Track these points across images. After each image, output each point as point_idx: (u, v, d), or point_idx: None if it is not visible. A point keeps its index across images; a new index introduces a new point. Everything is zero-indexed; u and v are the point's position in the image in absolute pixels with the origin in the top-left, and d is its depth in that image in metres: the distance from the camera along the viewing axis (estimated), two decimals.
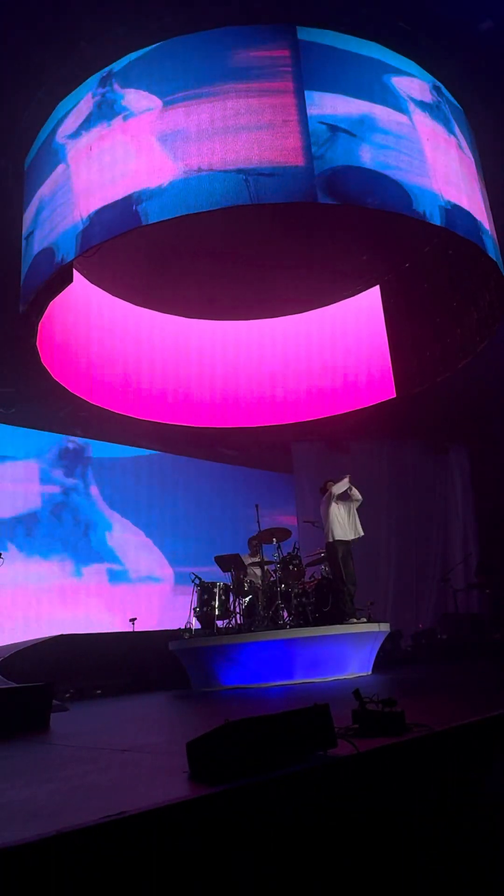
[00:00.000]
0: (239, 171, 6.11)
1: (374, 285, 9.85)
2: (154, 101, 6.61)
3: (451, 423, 11.97)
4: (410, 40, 6.81)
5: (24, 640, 8.19)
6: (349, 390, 10.24)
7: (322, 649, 6.67)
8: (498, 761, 2.76)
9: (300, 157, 6.23)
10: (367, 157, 6.44)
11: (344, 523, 7.64)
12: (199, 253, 8.63)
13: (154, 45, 6.69)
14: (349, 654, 6.84)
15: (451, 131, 7.31)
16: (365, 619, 7.33)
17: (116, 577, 11.04)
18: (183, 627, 7.43)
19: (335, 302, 10.36)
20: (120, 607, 10.41)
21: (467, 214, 7.02)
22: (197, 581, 7.51)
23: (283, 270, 9.21)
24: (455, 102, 7.52)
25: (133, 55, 6.75)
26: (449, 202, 6.80)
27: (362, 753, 2.27)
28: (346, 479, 7.68)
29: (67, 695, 6.99)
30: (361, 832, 2.13)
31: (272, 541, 7.92)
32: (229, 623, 7.52)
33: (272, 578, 7.54)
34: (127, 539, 11.37)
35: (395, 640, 9.58)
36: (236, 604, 7.50)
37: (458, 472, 13.11)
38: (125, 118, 6.67)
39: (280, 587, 7.32)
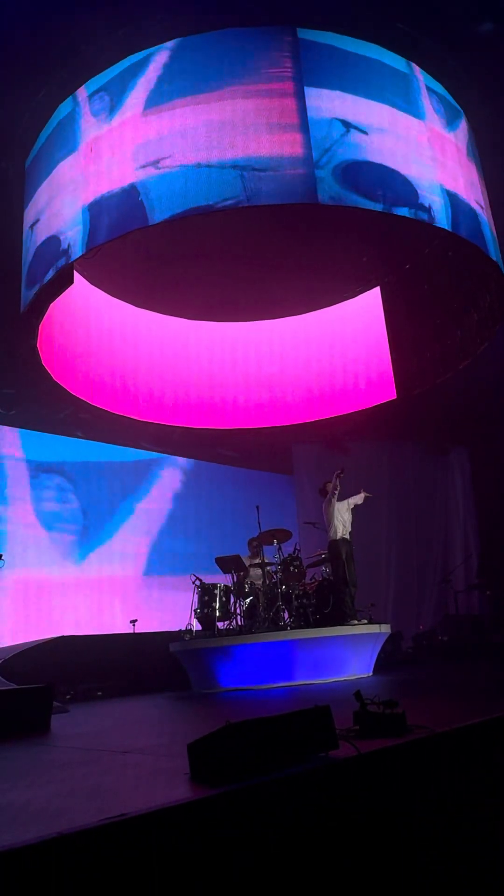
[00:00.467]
0: (235, 166, 6.14)
1: (375, 287, 9.85)
2: (154, 102, 6.63)
3: (452, 424, 11.97)
4: (410, 42, 6.82)
5: (25, 641, 8.19)
6: (349, 391, 10.24)
7: (323, 651, 6.67)
8: (499, 763, 2.75)
9: (300, 154, 6.25)
10: (371, 152, 6.48)
11: (346, 522, 7.67)
12: (199, 254, 8.64)
13: (155, 48, 6.70)
14: (350, 655, 6.83)
15: (451, 131, 7.33)
16: (366, 621, 7.32)
17: (117, 578, 11.03)
18: (183, 629, 7.43)
19: (336, 303, 10.36)
20: (120, 609, 10.41)
21: (470, 209, 7.05)
22: (197, 582, 7.51)
23: (284, 272, 9.21)
24: (455, 104, 7.53)
25: (134, 57, 6.77)
26: (453, 193, 6.85)
27: (363, 755, 2.26)
28: (362, 494, 7.89)
29: (68, 696, 6.98)
30: (362, 833, 2.13)
31: (273, 542, 7.92)
32: (230, 624, 7.52)
33: (273, 580, 7.54)
34: (127, 540, 11.36)
35: (396, 642, 9.57)
36: (237, 605, 7.50)
37: (458, 473, 13.11)
38: (126, 117, 6.69)
39: (281, 588, 7.32)
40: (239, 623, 7.44)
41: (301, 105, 6.43)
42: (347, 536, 7.63)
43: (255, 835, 1.88)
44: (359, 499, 7.86)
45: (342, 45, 6.76)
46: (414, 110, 6.95)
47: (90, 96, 6.99)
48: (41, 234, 7.12)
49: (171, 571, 11.31)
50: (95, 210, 6.54)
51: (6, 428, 10.55)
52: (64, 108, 7.18)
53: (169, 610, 10.75)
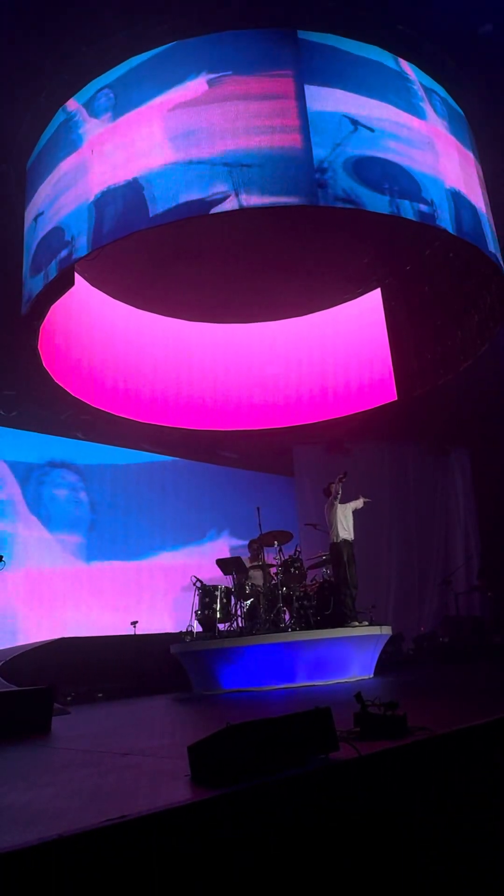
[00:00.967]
0: (230, 163, 6.20)
1: (376, 288, 9.86)
2: (155, 102, 6.66)
3: (453, 425, 11.97)
4: (411, 44, 6.83)
5: (26, 643, 8.19)
6: (350, 393, 10.24)
7: (324, 652, 6.66)
8: (499, 764, 2.75)
9: (300, 155, 6.28)
10: (377, 149, 6.54)
11: (348, 525, 7.67)
12: (200, 256, 8.65)
13: (155, 49, 6.72)
14: (351, 657, 6.83)
15: (452, 132, 7.34)
16: (366, 623, 7.32)
17: (118, 579, 11.03)
18: (184, 630, 7.43)
19: (336, 305, 10.36)
20: (121, 610, 10.40)
21: (471, 208, 7.08)
22: (198, 584, 7.50)
23: (285, 273, 9.22)
24: (456, 106, 7.54)
25: (135, 60, 6.79)
26: (455, 191, 6.89)
27: (364, 756, 2.26)
28: (361, 500, 7.89)
29: (69, 698, 6.98)
30: (362, 835, 2.13)
31: (273, 544, 7.92)
32: (231, 626, 7.51)
33: (273, 581, 7.54)
34: (127, 542, 11.36)
35: (397, 643, 9.57)
36: (238, 607, 7.50)
37: (459, 474, 13.11)
38: (127, 116, 6.74)
39: (282, 590, 7.32)
40: (240, 625, 7.43)
41: (302, 105, 6.47)
42: (349, 538, 7.63)
43: (255, 836, 1.88)
44: (358, 503, 7.86)
45: (343, 47, 6.79)
46: (415, 111, 6.97)
47: (91, 97, 7.01)
48: (45, 225, 7.16)
49: (171, 573, 11.31)
50: (100, 202, 6.60)
51: (7, 429, 10.56)
52: (65, 110, 7.20)
53: (170, 611, 10.77)
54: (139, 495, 11.70)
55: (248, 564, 7.85)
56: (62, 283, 6.99)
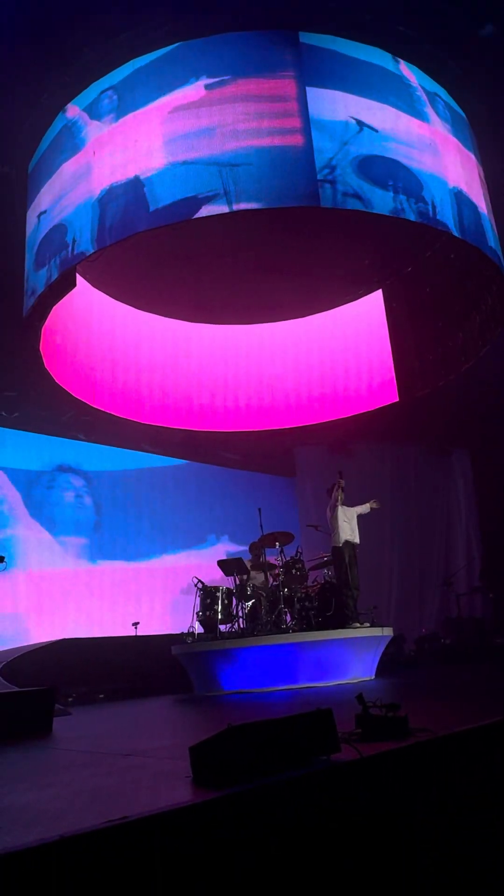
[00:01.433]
0: (228, 163, 6.24)
1: (377, 289, 9.86)
2: (157, 104, 6.68)
3: (454, 426, 11.97)
4: (412, 46, 6.84)
5: (27, 643, 8.19)
6: (351, 394, 10.24)
7: (325, 654, 6.66)
8: (501, 765, 2.75)
9: (301, 155, 6.29)
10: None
11: (353, 527, 7.66)
12: (201, 257, 8.65)
13: (157, 52, 6.73)
14: (352, 658, 6.82)
15: (454, 134, 7.35)
16: (368, 624, 7.32)
17: (119, 580, 11.03)
18: (186, 631, 7.43)
19: (338, 306, 10.37)
20: (122, 611, 10.40)
21: (473, 209, 7.10)
22: (199, 585, 7.50)
23: (286, 275, 9.22)
24: (457, 108, 7.55)
25: (137, 62, 6.80)
26: (457, 192, 6.94)
27: (365, 758, 2.26)
28: (368, 505, 7.88)
29: (70, 699, 6.99)
30: (364, 836, 2.12)
31: (275, 545, 7.92)
32: (232, 627, 7.51)
33: (275, 582, 7.53)
34: (128, 542, 11.36)
35: (399, 645, 9.57)
36: (239, 608, 7.50)
37: (460, 475, 13.11)
38: (129, 118, 6.76)
39: (283, 591, 7.31)
40: (241, 626, 7.43)
41: (304, 107, 6.48)
42: (353, 541, 7.61)
43: (256, 837, 1.88)
44: (364, 509, 7.83)
45: (344, 50, 6.81)
46: (417, 113, 6.98)
47: (94, 100, 7.03)
48: (49, 221, 7.19)
49: (172, 574, 11.31)
50: (104, 201, 6.63)
51: (8, 430, 10.57)
52: (67, 112, 7.22)
53: (171, 612, 10.77)
54: (140, 496, 11.71)
55: (248, 565, 7.85)
56: (64, 284, 7.00)
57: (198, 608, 7.48)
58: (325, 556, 8.04)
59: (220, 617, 7.32)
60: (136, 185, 6.48)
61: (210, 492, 12.40)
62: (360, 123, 6.56)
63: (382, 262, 9.37)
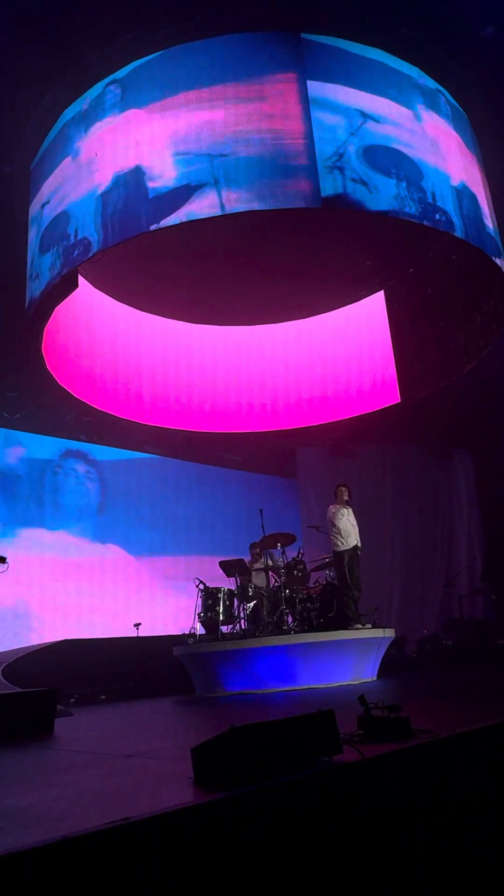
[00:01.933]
0: (239, 165, 6.30)
1: (378, 290, 9.86)
2: (158, 104, 6.70)
3: (455, 427, 11.96)
4: (413, 47, 6.85)
5: (29, 644, 8.19)
6: (353, 395, 10.24)
7: (327, 655, 6.65)
8: (503, 767, 2.74)
9: (302, 157, 6.31)
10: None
11: (352, 530, 7.65)
12: (203, 258, 8.66)
13: (158, 52, 6.75)
14: (354, 659, 6.82)
15: (455, 132, 7.37)
16: (369, 625, 7.31)
17: (120, 581, 11.03)
18: (187, 633, 7.42)
19: (339, 307, 10.37)
20: (124, 612, 10.40)
21: (474, 207, 7.12)
22: (201, 586, 7.50)
23: (288, 276, 9.23)
24: (458, 107, 7.56)
25: (139, 62, 6.82)
26: (458, 188, 7.01)
27: (367, 759, 2.26)
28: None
29: (72, 700, 6.99)
30: (366, 838, 2.12)
31: (276, 546, 7.91)
32: (234, 628, 7.50)
33: (276, 583, 7.53)
34: (129, 543, 11.36)
35: (400, 646, 9.56)
36: (241, 609, 7.49)
37: (462, 477, 13.10)
38: (130, 116, 6.80)
39: (284, 592, 7.31)
40: (243, 627, 7.43)
41: (305, 105, 6.50)
42: (356, 543, 7.59)
43: (258, 838, 1.88)
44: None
45: (347, 48, 6.84)
46: (418, 108, 7.01)
47: (94, 100, 7.05)
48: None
49: (174, 575, 11.31)
50: (106, 192, 6.67)
51: (10, 431, 10.58)
52: (68, 112, 7.24)
53: (172, 613, 10.76)
54: (141, 497, 11.70)
55: (250, 567, 7.85)
56: (66, 284, 7.02)
57: (199, 609, 7.47)
58: (327, 557, 8.04)
59: (221, 618, 7.31)
60: (137, 188, 6.50)
61: (211, 492, 12.39)
62: (364, 115, 6.63)
63: (384, 263, 9.38)
